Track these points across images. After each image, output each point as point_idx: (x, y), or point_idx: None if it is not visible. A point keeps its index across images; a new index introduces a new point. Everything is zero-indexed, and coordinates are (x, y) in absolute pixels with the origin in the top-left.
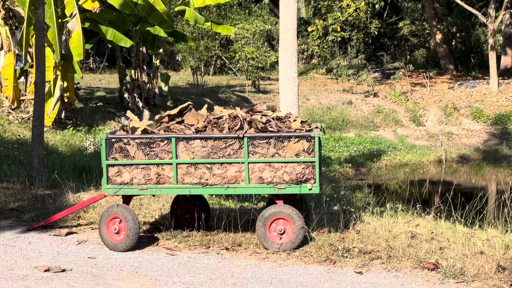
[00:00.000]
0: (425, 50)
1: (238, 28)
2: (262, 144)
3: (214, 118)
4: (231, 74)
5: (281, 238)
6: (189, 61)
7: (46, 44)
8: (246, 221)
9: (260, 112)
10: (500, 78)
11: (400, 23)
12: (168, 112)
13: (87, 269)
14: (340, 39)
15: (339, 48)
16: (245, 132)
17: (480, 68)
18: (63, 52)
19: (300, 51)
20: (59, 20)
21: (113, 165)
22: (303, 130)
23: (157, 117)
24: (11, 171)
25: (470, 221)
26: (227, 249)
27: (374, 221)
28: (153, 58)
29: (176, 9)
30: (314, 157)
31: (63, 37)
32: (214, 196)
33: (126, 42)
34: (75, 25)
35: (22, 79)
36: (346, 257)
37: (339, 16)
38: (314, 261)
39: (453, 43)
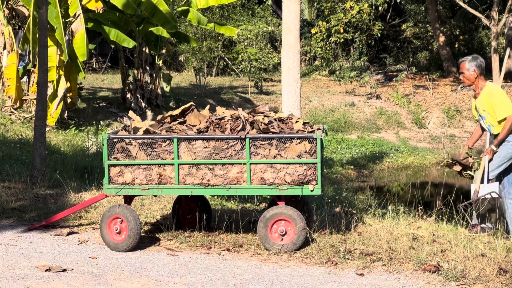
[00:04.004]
0: (428, 52)
1: (241, 29)
2: (264, 145)
3: (216, 119)
4: (233, 75)
5: (282, 239)
6: (191, 62)
7: (53, 44)
8: (247, 222)
9: (262, 113)
10: (503, 81)
11: (403, 26)
12: (170, 113)
13: (88, 269)
14: (343, 40)
15: (341, 50)
16: (247, 133)
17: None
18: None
19: (302, 53)
20: (63, 20)
21: (114, 165)
22: (305, 131)
23: (159, 117)
24: (13, 170)
25: (472, 223)
26: (228, 250)
27: (375, 223)
28: (156, 58)
29: (179, 9)
30: (316, 158)
31: (66, 37)
32: (215, 196)
33: (129, 43)
34: (79, 25)
35: (25, 78)
36: (348, 258)
37: (342, 18)
38: (315, 262)
39: (456, 45)
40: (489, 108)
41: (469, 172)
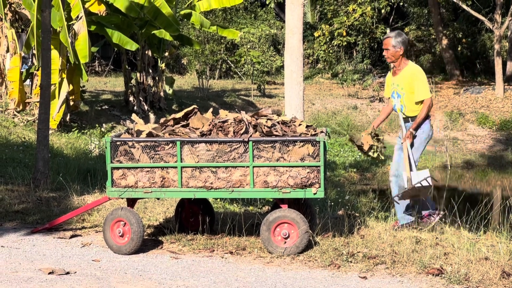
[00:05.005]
0: (431, 55)
1: (243, 32)
2: (267, 148)
3: (219, 122)
4: (236, 78)
5: (285, 242)
6: (194, 65)
7: (54, 48)
8: (250, 225)
9: (266, 116)
10: (506, 84)
11: (406, 28)
12: (173, 116)
13: (91, 272)
14: (345, 43)
15: (344, 53)
16: (250, 136)
17: (486, 73)
18: (68, 55)
19: (305, 56)
20: (66, 23)
21: (118, 168)
22: (308, 134)
23: (162, 120)
24: (16, 173)
25: (475, 226)
26: (231, 253)
27: (378, 226)
28: (159, 61)
29: (182, 12)
30: (319, 161)
31: (69, 40)
32: (218, 200)
33: (131, 46)
34: (81, 28)
35: (28, 81)
36: (351, 261)
37: (345, 21)
38: (318, 265)
39: (459, 48)
40: (407, 88)
41: (369, 154)
